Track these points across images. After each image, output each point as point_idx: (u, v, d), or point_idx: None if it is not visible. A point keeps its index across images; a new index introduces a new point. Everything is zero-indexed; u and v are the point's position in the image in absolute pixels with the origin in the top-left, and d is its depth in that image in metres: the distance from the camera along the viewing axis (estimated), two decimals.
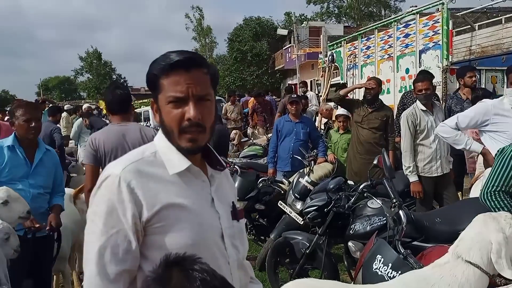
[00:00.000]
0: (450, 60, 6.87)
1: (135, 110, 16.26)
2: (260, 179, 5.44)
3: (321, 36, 25.37)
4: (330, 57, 10.23)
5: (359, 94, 8.00)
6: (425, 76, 4.63)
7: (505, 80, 7.46)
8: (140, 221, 1.22)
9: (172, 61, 1.26)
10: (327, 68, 10.70)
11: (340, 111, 6.03)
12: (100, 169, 3.14)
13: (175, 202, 1.26)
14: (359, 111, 5.20)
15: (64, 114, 12.53)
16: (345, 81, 9.83)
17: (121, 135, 3.24)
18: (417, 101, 4.57)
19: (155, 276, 0.99)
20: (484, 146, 3.35)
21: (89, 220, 1.25)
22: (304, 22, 31.78)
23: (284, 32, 27.08)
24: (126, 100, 3.37)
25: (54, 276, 4.15)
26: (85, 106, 9.89)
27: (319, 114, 8.99)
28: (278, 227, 4.48)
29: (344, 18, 37.48)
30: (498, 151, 2.55)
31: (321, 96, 10.56)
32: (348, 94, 5.82)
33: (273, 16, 49.10)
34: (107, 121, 6.67)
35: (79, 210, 4.33)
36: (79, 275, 4.64)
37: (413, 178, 4.36)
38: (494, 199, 2.44)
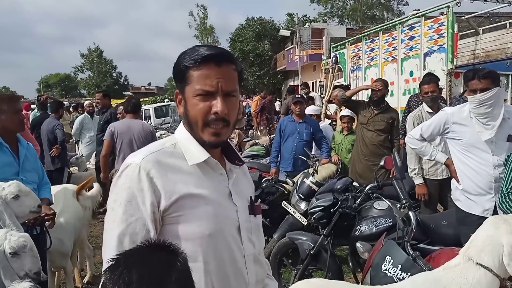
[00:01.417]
0: (454, 63, 6.86)
1: None
2: (263, 179, 5.43)
3: (324, 37, 25.39)
4: (334, 58, 10.22)
5: (361, 96, 7.99)
6: (431, 78, 4.63)
7: (509, 85, 7.47)
8: (158, 210, 1.23)
9: (204, 54, 1.27)
10: (330, 69, 10.68)
11: (345, 112, 6.01)
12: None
13: (193, 192, 1.27)
14: (365, 112, 5.18)
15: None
16: (349, 83, 9.81)
17: (128, 126, 5.30)
18: (423, 103, 4.57)
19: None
20: (448, 157, 3.36)
21: (109, 208, 1.26)
22: (307, 23, 31.77)
23: (287, 33, 27.05)
24: (136, 105, 5.59)
25: (56, 273, 4.13)
26: (87, 102, 9.85)
27: (321, 115, 8.97)
28: (282, 227, 4.45)
29: (347, 20, 37.48)
30: (510, 154, 2.55)
31: (324, 97, 10.54)
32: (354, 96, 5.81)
33: (275, 17, 49.11)
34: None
35: (82, 207, 4.32)
36: (80, 272, 4.62)
37: (418, 181, 4.34)
38: (509, 200, 2.43)
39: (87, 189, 4.80)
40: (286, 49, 30.52)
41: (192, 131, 1.33)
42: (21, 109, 3.15)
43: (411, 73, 7.70)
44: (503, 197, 2.46)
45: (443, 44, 6.92)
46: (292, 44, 28.38)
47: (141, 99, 26.93)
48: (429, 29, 7.28)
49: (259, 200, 4.96)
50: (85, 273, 4.66)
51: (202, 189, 1.29)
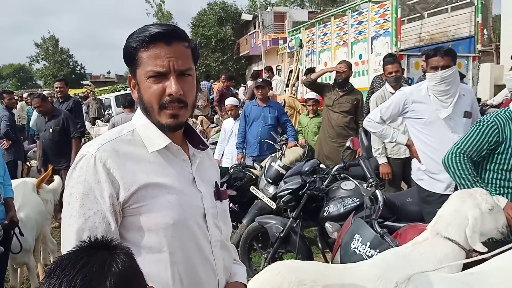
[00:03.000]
0: (398, 46, 7.16)
1: (99, 97, 15.76)
2: (230, 165, 5.39)
3: (286, 21, 25.36)
4: (299, 41, 10.27)
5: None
6: (394, 58, 4.71)
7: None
8: (118, 201, 1.17)
9: (151, 33, 1.19)
10: (295, 53, 10.71)
11: (310, 94, 6.03)
12: None
13: (154, 181, 1.21)
14: (330, 94, 5.21)
15: (21, 103, 11.98)
16: (304, 67, 9.93)
17: (126, 119, 5.61)
18: (386, 83, 4.63)
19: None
20: (409, 138, 3.35)
21: (65, 203, 1.19)
22: (269, 7, 31.62)
23: (249, 17, 26.82)
24: (131, 100, 6.94)
25: (18, 269, 3.97)
26: (45, 92, 9.44)
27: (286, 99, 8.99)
28: (251, 212, 4.44)
29: (308, 4, 37.48)
30: (478, 120, 2.61)
31: (289, 81, 10.58)
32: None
33: (237, 1, 48.55)
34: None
35: (43, 200, 4.14)
36: (45, 267, 4.46)
37: (382, 160, 4.42)
38: (457, 161, 2.49)
39: (48, 182, 4.61)
40: (248, 34, 30.29)
41: (149, 115, 1.26)
42: None
43: (360, 56, 7.99)
44: (456, 156, 2.51)
45: (388, 28, 7.23)
46: (255, 28, 28.20)
47: (101, 88, 26.19)
48: (376, 14, 7.58)
49: (225, 185, 4.94)
50: None
51: (163, 178, 1.23)
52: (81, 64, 53.38)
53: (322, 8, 31.34)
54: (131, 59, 1.23)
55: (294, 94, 9.74)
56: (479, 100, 8.48)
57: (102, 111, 14.56)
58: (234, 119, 5.99)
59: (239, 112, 6.13)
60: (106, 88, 30.99)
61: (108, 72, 53.71)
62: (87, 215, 1.15)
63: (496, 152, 2.48)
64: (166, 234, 1.21)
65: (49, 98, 8.62)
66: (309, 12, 29.46)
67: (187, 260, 1.26)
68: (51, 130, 5.77)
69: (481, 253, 2.06)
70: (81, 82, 45.03)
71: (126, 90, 22.01)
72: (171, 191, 1.23)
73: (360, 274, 2.01)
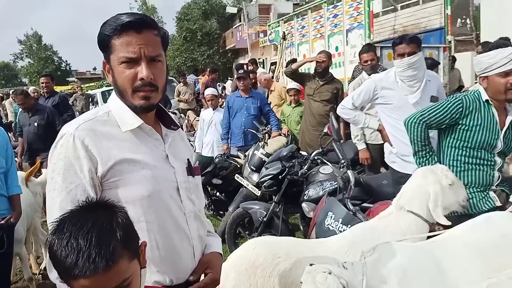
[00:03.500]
0: (372, 38, 7.43)
1: (87, 93, 15.69)
2: (210, 154, 5.52)
3: (271, 13, 25.39)
4: (283, 34, 10.41)
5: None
6: (369, 47, 4.85)
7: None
8: (96, 176, 1.30)
9: (123, 22, 1.30)
10: (279, 45, 10.83)
11: (291, 84, 6.16)
12: None
13: (128, 157, 1.34)
14: (311, 84, 5.35)
15: (9, 100, 11.93)
16: (284, 59, 10.12)
17: None
18: (363, 71, 4.78)
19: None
20: (380, 123, 3.52)
21: (49, 178, 1.31)
22: (253, 0, 31.59)
23: (234, 10, 26.82)
24: None
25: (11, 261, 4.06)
26: (31, 89, 9.42)
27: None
28: (236, 199, 4.58)
29: None
30: (450, 96, 2.78)
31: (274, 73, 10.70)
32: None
33: None
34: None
35: (32, 193, 4.24)
36: (37, 259, 4.57)
37: (361, 146, 4.57)
38: (416, 127, 2.68)
39: (36, 174, 4.69)
40: (234, 27, 30.27)
41: (123, 98, 1.38)
42: None
43: (337, 48, 8.25)
44: (417, 123, 2.68)
45: (362, 21, 7.50)
46: (240, 21, 28.17)
47: (87, 85, 25.96)
48: (350, 8, 7.84)
49: (213, 175, 5.07)
50: (41, 260, 4.60)
51: (137, 154, 1.36)
52: (67, 61, 52.89)
53: (306, 0, 31.39)
54: (105, 46, 1.35)
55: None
56: (461, 87, 8.75)
57: (90, 106, 14.54)
58: (213, 109, 6.09)
59: (219, 102, 6.23)
60: (92, 84, 30.78)
61: (94, 68, 53.15)
62: (69, 188, 1.28)
63: (461, 129, 2.64)
64: (143, 205, 1.34)
65: (35, 94, 8.65)
66: (294, 4, 29.49)
67: (163, 228, 1.39)
68: (35, 124, 5.79)
69: (445, 227, 2.23)
70: (67, 79, 44.57)
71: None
72: (145, 166, 1.36)
73: (330, 247, 2.17)
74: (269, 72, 11.41)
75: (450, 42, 7.91)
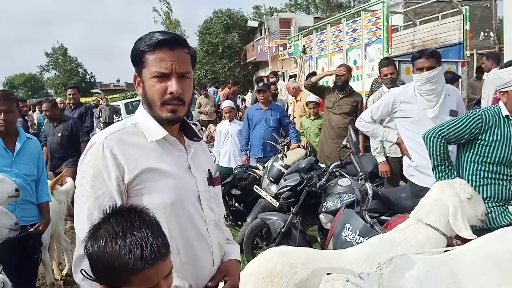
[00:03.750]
0: (390, 52, 7.48)
1: (110, 104, 16.05)
2: (235, 166, 5.59)
3: (292, 27, 25.57)
4: (303, 47, 10.52)
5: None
6: (389, 61, 4.87)
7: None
8: (123, 183, 1.37)
9: (158, 39, 1.40)
10: (298, 58, 10.93)
11: (311, 97, 6.21)
12: None
13: (154, 166, 1.42)
14: (330, 97, 5.39)
15: (36, 112, 12.28)
16: (303, 72, 10.19)
17: None
18: (383, 85, 4.80)
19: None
20: (399, 136, 3.53)
21: (78, 185, 1.40)
22: (275, 14, 31.89)
23: (255, 23, 27.12)
24: None
25: None
26: (57, 100, 9.71)
27: (291, 103, 9.19)
28: (254, 210, 4.62)
29: (313, 9, 37.74)
30: (469, 111, 2.79)
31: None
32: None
33: (243, 8, 48.85)
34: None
35: (57, 201, 4.36)
36: (59, 265, 4.68)
37: (380, 159, 4.57)
38: (435, 142, 2.70)
39: (61, 184, 4.84)
40: (255, 40, 30.56)
41: (151, 110, 1.46)
42: (5, 110, 3.14)
43: (355, 62, 8.31)
44: (436, 137, 2.70)
45: (380, 35, 7.57)
46: (261, 35, 28.45)
47: (110, 96, 26.52)
48: (369, 22, 7.92)
49: (232, 186, 5.13)
50: (63, 266, 4.72)
51: (162, 164, 1.43)
52: (91, 73, 54.20)
53: (327, 14, 31.56)
54: (138, 60, 1.44)
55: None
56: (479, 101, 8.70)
57: (114, 117, 14.87)
58: (229, 121, 6.16)
59: (237, 114, 6.31)
60: (116, 96, 31.43)
61: (118, 80, 54.35)
62: (97, 195, 1.35)
63: (481, 144, 2.64)
64: (165, 212, 1.40)
65: (62, 105, 8.90)
66: (314, 17, 29.70)
67: (184, 235, 1.45)
68: (59, 134, 5.92)
69: (463, 240, 2.23)
70: (91, 90, 45.63)
71: (135, 97, 22.36)
72: (169, 175, 1.43)
73: (347, 258, 2.18)
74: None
75: (469, 56, 7.93)
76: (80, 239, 1.32)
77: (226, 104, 6.37)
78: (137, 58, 1.44)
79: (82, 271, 1.21)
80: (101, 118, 13.93)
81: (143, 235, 1.09)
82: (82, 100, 16.30)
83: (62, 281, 4.44)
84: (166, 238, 1.17)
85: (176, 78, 1.41)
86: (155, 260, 1.08)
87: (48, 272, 3.94)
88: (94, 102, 19.46)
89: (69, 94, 7.15)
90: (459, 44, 8.25)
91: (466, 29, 8.17)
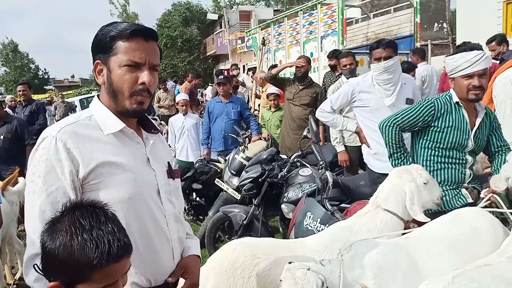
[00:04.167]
0: (345, 45, 7.74)
1: (66, 100, 15.48)
2: (195, 160, 5.52)
3: (252, 20, 25.53)
4: (262, 39, 10.52)
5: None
6: (348, 52, 4.95)
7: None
8: (77, 178, 1.30)
9: (133, 28, 1.36)
10: (258, 50, 10.93)
11: (271, 89, 6.21)
12: None
13: (111, 160, 1.35)
14: (290, 88, 5.41)
15: None
16: (262, 65, 10.24)
17: None
18: (342, 75, 4.87)
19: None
20: (358, 125, 3.60)
21: (28, 181, 1.30)
22: (234, 7, 31.72)
23: (214, 16, 26.88)
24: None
25: None
26: (8, 97, 9.26)
27: (252, 96, 9.17)
28: (216, 204, 4.57)
29: (272, 2, 37.79)
30: (422, 99, 2.85)
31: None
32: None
33: (201, 1, 48.30)
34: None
35: (9, 202, 4.15)
36: (11, 269, 4.47)
37: (340, 148, 4.64)
38: (391, 130, 2.75)
39: (13, 184, 4.60)
40: (215, 33, 30.32)
41: (114, 100, 1.40)
42: None
43: (311, 54, 8.51)
44: (391, 126, 2.75)
45: (336, 28, 7.80)
46: (221, 28, 28.27)
47: (65, 92, 25.60)
48: (324, 15, 8.14)
49: (193, 180, 5.07)
50: (16, 270, 4.51)
51: (119, 157, 1.37)
52: (45, 69, 52.14)
53: (287, 7, 31.69)
54: (106, 47, 1.37)
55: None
56: None
57: (69, 114, 14.38)
58: (184, 115, 6.06)
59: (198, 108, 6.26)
60: (71, 92, 30.40)
61: (72, 76, 52.60)
62: (49, 191, 1.27)
63: (434, 131, 2.71)
64: (123, 207, 1.34)
65: (13, 103, 8.50)
66: (274, 10, 29.78)
67: (143, 230, 1.40)
68: (2, 137, 5.45)
69: (420, 224, 2.29)
70: (45, 87, 43.92)
71: (91, 93, 21.65)
72: (127, 169, 1.37)
73: (309, 246, 2.20)
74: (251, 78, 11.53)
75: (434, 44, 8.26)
76: (31, 239, 1.25)
77: (180, 97, 6.27)
78: (105, 45, 1.37)
79: (35, 265, 1.15)
80: (56, 116, 13.43)
81: (110, 230, 1.07)
82: (35, 97, 15.67)
83: (15, 285, 4.23)
84: (128, 236, 1.15)
85: (148, 69, 1.37)
86: (121, 256, 1.07)
87: (0, 277, 3.74)
88: (48, 98, 18.76)
89: (19, 91, 6.81)
90: (410, 36, 8.55)
91: (416, 21, 8.45)
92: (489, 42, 5.85)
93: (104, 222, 1.08)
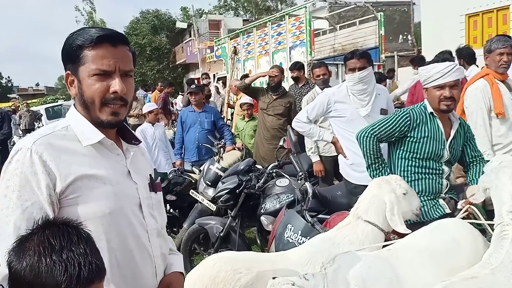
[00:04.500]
0: (313, 56, 7.91)
1: (31, 109, 14.97)
2: (170, 170, 5.42)
3: (221, 29, 25.55)
4: (233, 48, 10.54)
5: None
6: (321, 62, 5.00)
7: (339, 73, 8.55)
8: (54, 192, 1.22)
9: (99, 34, 1.28)
10: (229, 59, 10.93)
11: (244, 99, 6.19)
12: None
13: (89, 173, 1.28)
14: (264, 98, 5.40)
15: None
16: (231, 75, 10.30)
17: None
18: (316, 86, 4.91)
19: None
20: (334, 135, 3.63)
21: (1, 196, 1.22)
22: (203, 15, 31.68)
23: (184, 25, 26.76)
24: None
25: None
26: None
27: (225, 105, 9.13)
28: (191, 215, 4.49)
29: (242, 12, 38.01)
30: (398, 110, 2.88)
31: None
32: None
33: (170, 10, 48.06)
34: None
35: None
36: None
37: (315, 158, 4.66)
38: (367, 141, 2.76)
39: None
40: (184, 42, 30.14)
41: (87, 111, 1.33)
42: None
43: (281, 64, 8.64)
44: (368, 137, 2.76)
45: (304, 39, 7.93)
46: (190, 36, 28.14)
47: (29, 101, 24.81)
48: (292, 26, 8.29)
49: (167, 191, 4.96)
50: None
51: (98, 169, 1.30)
52: (8, 77, 50.52)
53: (256, 17, 31.96)
54: (73, 57, 1.30)
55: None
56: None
57: (35, 123, 13.90)
58: (152, 125, 5.93)
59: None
60: (35, 100, 29.46)
61: (37, 84, 51.27)
62: (25, 206, 1.19)
63: (410, 141, 2.74)
64: (103, 222, 1.28)
65: None
66: (243, 20, 29.93)
67: (124, 246, 1.33)
68: None
69: (400, 235, 2.30)
70: (8, 95, 42.46)
71: (57, 101, 21.03)
72: (106, 182, 1.30)
73: (291, 259, 2.17)
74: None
75: (384, 60, 8.55)
76: (4, 258, 1.16)
77: (152, 106, 6.16)
78: (72, 55, 1.30)
79: (1, 287, 1.08)
80: (21, 125, 12.97)
81: (81, 252, 1.00)
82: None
83: None
84: (101, 258, 1.08)
85: (119, 77, 1.30)
86: (91, 280, 1.00)
87: None
88: (12, 107, 18.10)
89: None
90: (376, 48, 8.82)
91: (381, 34, 8.76)
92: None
93: (76, 242, 1.01)
